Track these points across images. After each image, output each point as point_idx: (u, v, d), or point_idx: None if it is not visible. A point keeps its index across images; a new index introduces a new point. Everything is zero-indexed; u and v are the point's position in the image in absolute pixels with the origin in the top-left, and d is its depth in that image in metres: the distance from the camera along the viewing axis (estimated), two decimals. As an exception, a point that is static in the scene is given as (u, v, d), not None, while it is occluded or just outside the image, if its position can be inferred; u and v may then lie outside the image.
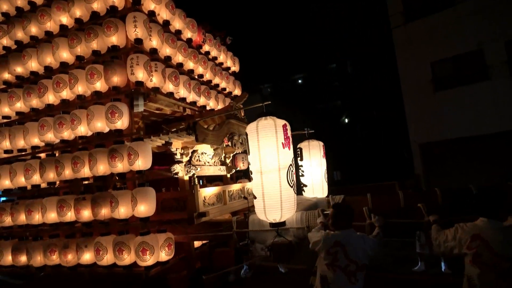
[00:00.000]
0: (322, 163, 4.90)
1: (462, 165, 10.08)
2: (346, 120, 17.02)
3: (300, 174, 4.94)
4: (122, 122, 3.47)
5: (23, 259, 3.82)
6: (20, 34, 4.27)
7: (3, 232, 4.16)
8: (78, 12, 3.81)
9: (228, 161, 5.10)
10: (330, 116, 16.57)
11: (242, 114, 5.09)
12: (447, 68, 10.96)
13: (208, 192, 3.98)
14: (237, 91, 5.81)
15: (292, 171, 3.09)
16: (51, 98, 3.93)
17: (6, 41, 4.43)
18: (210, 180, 5.77)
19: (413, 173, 11.43)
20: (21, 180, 3.94)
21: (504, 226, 2.19)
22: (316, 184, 4.83)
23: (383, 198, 3.97)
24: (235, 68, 5.90)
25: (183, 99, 4.25)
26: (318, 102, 16.91)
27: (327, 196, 4.83)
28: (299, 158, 4.92)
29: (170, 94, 3.99)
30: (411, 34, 11.52)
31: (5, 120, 4.34)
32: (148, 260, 3.24)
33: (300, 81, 18.38)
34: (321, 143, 4.98)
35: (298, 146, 4.97)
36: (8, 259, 3.93)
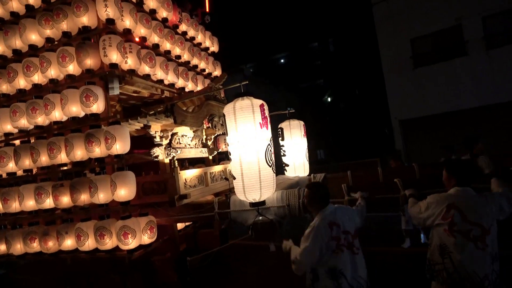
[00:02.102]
0: (303, 143, 4.94)
1: (442, 140, 10.38)
2: (329, 99, 17.14)
3: (282, 153, 4.99)
4: (97, 106, 3.39)
5: (2, 248, 3.78)
6: (-17, 17, 4.05)
7: (-20, 222, 4.08)
8: (44, -9, 3.62)
9: (209, 143, 5.09)
10: (313, 95, 16.64)
11: (222, 95, 5.05)
12: (426, 44, 11.10)
13: (189, 175, 3.99)
14: (217, 72, 5.72)
15: (270, 150, 3.12)
16: (22, 82, 3.79)
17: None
18: (193, 163, 5.76)
19: (394, 149, 11.72)
20: (-6, 169, 3.84)
21: (476, 193, 2.29)
22: (298, 163, 4.89)
23: (363, 174, 4.08)
24: (214, 48, 5.79)
25: (160, 81, 4.16)
26: (300, 81, 16.91)
27: (309, 175, 4.92)
28: (280, 138, 4.95)
29: (147, 76, 3.90)
30: (391, 10, 11.53)
31: (-26, 107, 4.17)
32: (130, 243, 3.25)
33: (282, 60, 18.28)
34: (302, 123, 5.00)
35: (279, 126, 4.98)
36: (-13, 248, 3.89)
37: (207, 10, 5.52)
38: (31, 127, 3.75)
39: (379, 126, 13.53)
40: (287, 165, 4.95)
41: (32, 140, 3.76)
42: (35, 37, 3.69)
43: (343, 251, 2.42)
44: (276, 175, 4.87)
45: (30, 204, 3.62)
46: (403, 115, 11.66)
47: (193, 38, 5.16)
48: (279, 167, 5.17)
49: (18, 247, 3.69)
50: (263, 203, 3.20)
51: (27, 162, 3.66)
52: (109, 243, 3.31)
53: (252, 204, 3.17)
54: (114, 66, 3.40)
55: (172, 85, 4.35)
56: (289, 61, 17.74)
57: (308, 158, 5.01)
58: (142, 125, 3.81)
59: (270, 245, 3.36)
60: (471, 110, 10.19)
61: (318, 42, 17.06)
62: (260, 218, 3.33)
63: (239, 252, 4.94)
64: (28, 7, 3.80)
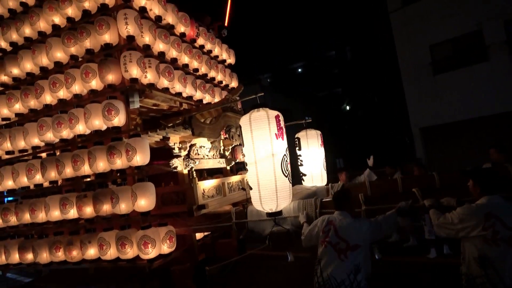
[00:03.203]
0: (320, 152, 4.93)
1: (463, 148, 10.07)
2: (347, 107, 16.98)
3: (299, 163, 4.98)
4: (119, 119, 3.52)
5: (29, 257, 3.93)
6: (14, 36, 4.30)
7: (10, 231, 4.26)
8: (69, 11, 3.83)
9: (227, 153, 5.14)
10: (331, 104, 16.54)
11: (239, 106, 5.12)
12: (446, 51, 10.86)
13: (207, 185, 4.04)
14: (234, 84, 5.82)
15: (286, 161, 3.14)
16: (48, 98, 3.99)
17: (2, 43, 4.46)
18: (211, 173, 5.84)
19: (415, 158, 11.43)
20: (23, 180, 4.03)
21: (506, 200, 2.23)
22: (315, 173, 4.87)
23: (381, 183, 4.01)
24: (231, 60, 5.90)
25: (179, 94, 4.28)
26: (318, 90, 16.87)
27: (327, 185, 4.88)
28: (297, 148, 4.96)
29: (166, 90, 4.02)
30: (409, 17, 11.40)
31: (4, 122, 4.41)
32: (150, 253, 3.32)
33: (299, 70, 18.32)
34: (319, 132, 4.99)
35: (296, 136, 5.00)
36: (16, 257, 4.04)
37: (226, 24, 5.64)
38: (57, 140, 3.92)
39: (399, 134, 13.26)
40: (305, 175, 4.94)
41: (58, 153, 3.92)
42: (60, 54, 3.89)
43: (326, 247, 2.59)
44: (294, 185, 4.89)
45: (55, 214, 3.76)
46: (423, 123, 11.39)
47: (210, 51, 5.29)
48: (297, 177, 5.17)
49: (44, 256, 3.82)
50: (279, 213, 3.20)
51: (53, 174, 3.81)
52: (130, 252, 3.39)
53: (269, 214, 3.18)
54: (134, 80, 3.54)
55: (190, 97, 4.46)
56: (307, 71, 17.76)
57: (325, 168, 4.98)
58: (161, 137, 3.90)
59: (288, 255, 3.34)
60: (493, 117, 9.85)
61: (336, 50, 17.04)
62: (277, 228, 3.32)
63: (257, 261, 4.92)
64: (55, 26, 4.02)
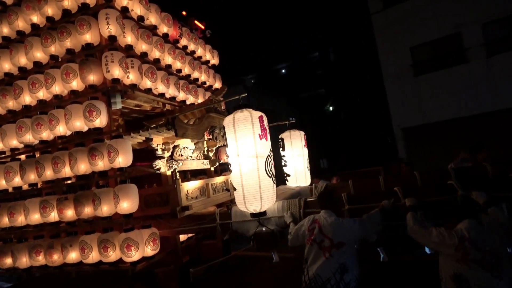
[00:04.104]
0: (304, 153, 4.98)
1: (444, 147, 10.36)
2: (331, 108, 17.20)
3: (283, 164, 5.03)
4: (100, 120, 3.48)
5: (8, 261, 3.82)
6: (-9, 35, 4.19)
7: (-13, 236, 4.14)
8: (49, 10, 3.75)
9: (211, 154, 5.14)
10: (314, 104, 16.72)
11: (223, 107, 5.12)
12: (426, 53, 11.15)
13: (191, 186, 4.03)
14: (218, 84, 5.82)
15: (270, 161, 3.17)
16: (27, 99, 3.89)
17: (-22, 43, 4.33)
18: (195, 174, 5.81)
19: (397, 157, 11.69)
20: (1, 183, 3.93)
21: (484, 223, 2.33)
22: (299, 173, 4.92)
23: (364, 183, 4.08)
24: (214, 61, 5.90)
25: (162, 95, 4.25)
26: (302, 91, 17.02)
27: (310, 185, 4.94)
28: (281, 149, 5.00)
29: (148, 90, 3.99)
30: (390, 19, 11.64)
31: (-18, 123, 4.28)
32: (134, 255, 3.29)
33: (283, 71, 18.43)
34: (302, 133, 5.05)
35: (280, 136, 5.03)
36: (-6, 262, 3.93)
37: (203, 27, 5.64)
38: (36, 142, 3.83)
39: (382, 135, 13.53)
40: (288, 175, 4.98)
41: (37, 155, 3.84)
42: (40, 54, 3.80)
43: (312, 245, 2.66)
44: (277, 185, 4.93)
45: (35, 217, 3.67)
46: (405, 123, 11.66)
47: (193, 52, 5.28)
48: (280, 177, 5.22)
49: (24, 261, 3.73)
50: (264, 213, 3.23)
51: (32, 177, 3.73)
52: (112, 255, 3.34)
53: (253, 215, 3.20)
54: (116, 81, 3.50)
55: (173, 98, 4.44)
56: (290, 72, 17.90)
57: (309, 168, 5.04)
58: (144, 138, 3.87)
59: (273, 255, 3.37)
60: (472, 117, 10.18)
61: (319, 52, 17.24)
62: (262, 228, 3.35)
63: (243, 262, 4.94)
64: (34, 26, 3.94)
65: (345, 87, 15.43)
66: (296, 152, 4.93)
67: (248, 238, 3.48)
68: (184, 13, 5.46)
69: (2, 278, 6.17)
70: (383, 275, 3.91)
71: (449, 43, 10.74)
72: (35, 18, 3.88)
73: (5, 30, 4.06)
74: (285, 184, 5.00)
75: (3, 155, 4.15)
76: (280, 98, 14.97)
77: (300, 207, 3.43)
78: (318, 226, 2.72)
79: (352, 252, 2.64)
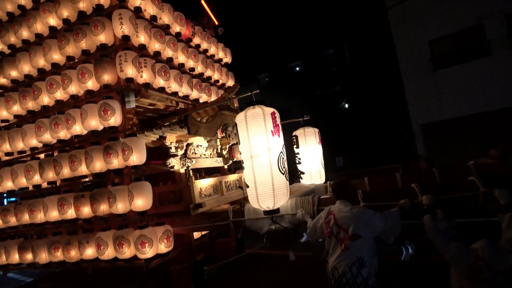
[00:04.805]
0: (318, 150, 4.92)
1: (465, 144, 10.01)
2: (346, 105, 16.91)
3: (297, 161, 4.98)
4: (115, 119, 3.53)
5: (29, 257, 3.94)
6: (12, 39, 4.33)
7: (10, 232, 4.29)
8: (65, 12, 3.84)
9: (224, 152, 5.14)
10: (330, 102, 16.48)
11: (236, 105, 5.12)
12: (446, 46, 10.79)
13: (204, 184, 4.04)
14: (230, 83, 5.82)
15: (283, 158, 3.13)
16: (45, 99, 4.00)
17: (0, 46, 4.48)
18: (210, 172, 5.85)
19: (416, 155, 11.39)
20: (22, 181, 4.05)
21: (499, 245, 2.25)
22: (313, 171, 4.86)
23: (381, 180, 3.98)
24: (227, 59, 5.90)
25: (175, 93, 4.28)
26: (316, 88, 16.80)
27: (325, 183, 4.87)
28: (295, 146, 4.95)
29: (161, 89, 4.03)
30: (407, 12, 11.33)
31: (4, 124, 4.43)
32: (148, 252, 3.32)
33: (297, 68, 18.25)
34: (317, 130, 4.98)
35: (294, 133, 4.99)
36: (16, 257, 4.07)
37: (216, 23, 5.64)
38: (54, 141, 3.93)
39: (400, 132, 13.19)
40: (303, 173, 4.93)
41: (55, 154, 3.94)
42: (57, 56, 3.90)
43: (330, 237, 2.65)
44: (292, 183, 4.88)
45: (54, 214, 3.77)
46: (424, 119, 11.34)
47: (206, 51, 5.29)
48: (294, 175, 5.16)
49: (43, 256, 3.84)
50: (277, 211, 3.20)
51: (51, 175, 3.83)
52: (127, 252, 3.39)
53: (266, 212, 3.18)
54: (130, 80, 3.54)
55: (186, 96, 4.47)
56: (305, 69, 17.71)
57: (324, 166, 4.97)
58: (158, 136, 3.91)
59: (289, 254, 3.33)
60: (495, 112, 9.79)
61: (334, 48, 16.97)
62: (274, 226, 3.32)
63: (257, 261, 4.92)
64: (51, 28, 4.03)
65: (361, 83, 15.14)
66: (310, 149, 4.87)
67: (261, 236, 3.46)
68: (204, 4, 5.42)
69: (25, 273, 6.41)
70: (402, 276, 3.81)
71: (470, 36, 10.36)
72: (52, 21, 3.98)
73: (25, 34, 4.18)
74: (299, 182, 4.96)
75: (24, 155, 4.28)
76: (294, 96, 14.86)
77: (313, 205, 3.39)
78: (333, 217, 2.67)
79: (369, 246, 2.54)
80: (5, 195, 4.60)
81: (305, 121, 4.96)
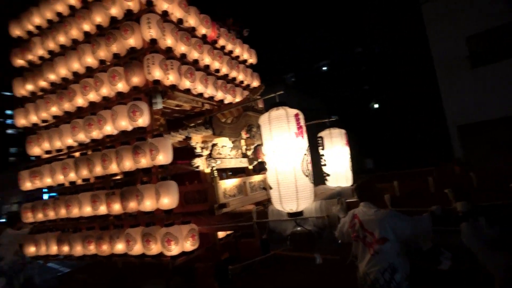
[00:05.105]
0: (345, 152, 4.82)
1: (505, 147, 9.39)
2: (376, 105, 16.39)
3: (322, 163, 4.90)
4: (143, 120, 3.65)
5: (65, 249, 4.17)
6: (51, 45, 4.60)
7: (49, 225, 4.56)
8: (98, 18, 4.02)
9: (249, 153, 5.17)
10: (358, 102, 16.06)
11: (261, 106, 5.13)
12: (485, 42, 10.16)
13: (228, 184, 4.08)
14: (255, 83, 5.84)
15: (307, 160, 3.10)
16: (80, 101, 4.22)
17: (41, 52, 4.78)
18: (236, 173, 5.90)
19: (453, 158, 10.83)
20: (59, 178, 4.30)
21: None
22: (339, 173, 4.77)
23: (411, 184, 3.83)
24: (252, 60, 5.93)
25: (200, 95, 4.36)
26: (344, 88, 16.43)
27: (352, 185, 4.76)
28: (320, 147, 4.88)
29: (187, 91, 4.12)
30: (443, 8, 10.79)
31: (44, 124, 4.73)
32: (173, 250, 3.40)
33: (324, 68, 17.94)
34: (343, 131, 4.88)
35: (319, 134, 4.92)
36: (54, 249, 4.32)
37: (236, 27, 5.68)
38: (88, 140, 4.14)
39: (434, 133, 12.61)
40: (328, 175, 4.85)
41: (89, 152, 4.14)
42: (90, 60, 4.11)
43: (357, 241, 2.60)
44: (317, 185, 4.81)
45: (87, 210, 3.97)
46: (461, 120, 10.75)
47: (231, 52, 5.35)
48: (320, 177, 5.08)
49: (78, 249, 4.05)
50: (300, 213, 3.17)
51: (85, 172, 4.03)
52: (154, 248, 3.50)
53: (290, 215, 3.16)
54: (157, 82, 3.65)
55: (211, 98, 4.54)
56: (332, 69, 17.39)
57: (351, 168, 4.86)
58: (184, 137, 4.00)
59: (316, 257, 3.28)
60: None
61: (363, 47, 16.53)
62: (298, 228, 3.28)
63: (282, 262, 4.90)
64: (86, 33, 4.25)
65: (392, 82, 14.62)
66: (337, 151, 4.78)
67: (285, 238, 3.43)
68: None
69: (64, 264, 6.80)
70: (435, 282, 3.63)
71: (511, 31, 9.70)
72: (86, 27, 4.19)
73: (62, 39, 4.43)
74: (325, 184, 4.88)
75: (61, 153, 4.54)
76: (321, 96, 14.64)
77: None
78: (358, 221, 2.61)
79: (398, 250, 2.46)
80: (45, 190, 4.88)
81: (332, 122, 4.88)
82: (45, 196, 5.35)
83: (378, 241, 2.43)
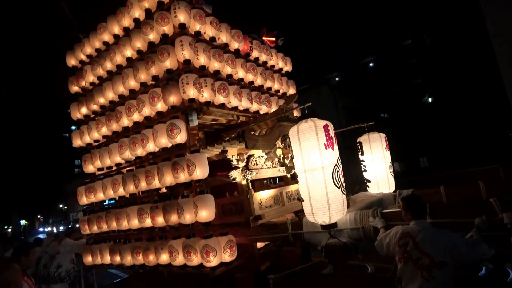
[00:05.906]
0: (386, 156, 4.62)
1: None
2: (429, 100, 15.24)
3: (362, 169, 4.75)
4: (181, 137, 3.85)
5: (117, 259, 4.54)
6: (100, 71, 5.05)
7: (103, 236, 4.99)
8: (137, 44, 4.34)
9: (287, 161, 5.16)
10: (409, 97, 15.05)
11: (296, 115, 5.10)
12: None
13: (264, 195, 4.13)
14: (291, 91, 5.82)
15: (338, 171, 3.06)
16: (125, 121, 4.57)
17: (92, 78, 5.28)
18: (275, 181, 5.94)
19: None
20: (110, 193, 4.69)
21: None
22: (380, 179, 4.58)
23: (460, 190, 3.54)
24: (287, 68, 5.92)
25: (235, 108, 4.48)
26: (393, 83, 15.50)
27: (394, 191, 4.54)
28: (359, 153, 4.74)
29: (222, 105, 4.26)
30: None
31: (96, 144, 5.20)
32: (212, 261, 3.54)
33: (371, 64, 17.12)
34: (383, 135, 4.69)
35: (358, 140, 4.78)
36: (107, 259, 4.71)
37: (273, 39, 5.70)
38: (133, 158, 4.46)
39: (498, 128, 11.39)
40: (369, 181, 4.70)
41: (135, 169, 4.46)
42: (133, 83, 4.43)
43: (406, 263, 2.36)
44: (358, 192, 4.66)
45: (135, 223, 4.28)
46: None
47: (265, 62, 5.40)
48: (362, 183, 4.90)
49: (128, 259, 4.38)
50: (334, 225, 3.12)
51: (132, 187, 4.35)
52: (195, 259, 3.67)
53: (323, 227, 3.13)
54: (192, 100, 3.84)
55: (246, 110, 4.63)
56: (379, 64, 16.52)
57: (392, 173, 4.64)
58: (220, 150, 4.13)
59: (368, 266, 3.18)
60: None
61: (412, 38, 15.49)
62: (333, 240, 3.23)
63: (323, 269, 4.81)
64: (128, 59, 4.61)
65: (447, 74, 13.50)
66: (377, 156, 4.62)
67: (319, 250, 3.39)
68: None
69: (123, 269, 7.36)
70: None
71: None
72: (128, 52, 4.54)
73: (109, 65, 4.85)
74: (366, 191, 4.72)
75: (111, 170, 4.95)
76: (368, 94, 14.02)
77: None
78: (412, 241, 2.37)
79: (452, 274, 2.29)
80: (96, 203, 5.31)
81: (370, 126, 4.71)
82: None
83: (436, 264, 2.24)
